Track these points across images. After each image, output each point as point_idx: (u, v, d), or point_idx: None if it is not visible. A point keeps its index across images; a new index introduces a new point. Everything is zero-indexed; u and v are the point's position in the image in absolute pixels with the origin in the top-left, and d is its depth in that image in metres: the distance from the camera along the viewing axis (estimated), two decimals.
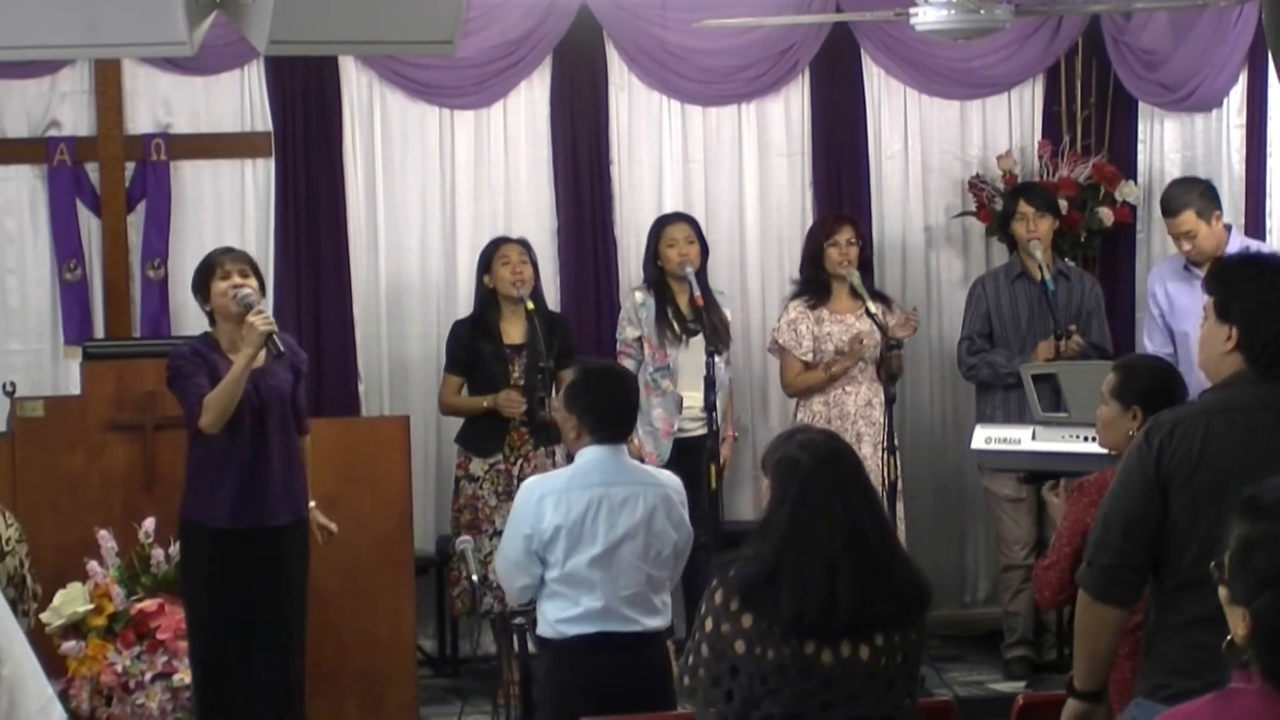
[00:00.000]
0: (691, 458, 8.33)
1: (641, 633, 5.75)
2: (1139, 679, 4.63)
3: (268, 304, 8.51)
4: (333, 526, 7.15)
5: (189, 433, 6.86)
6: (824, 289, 8.64)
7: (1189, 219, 8.22)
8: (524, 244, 8.47)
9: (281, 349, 6.71)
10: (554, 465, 8.01)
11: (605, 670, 5.69)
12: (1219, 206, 8.33)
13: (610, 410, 5.86)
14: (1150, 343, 8.52)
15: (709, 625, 4.22)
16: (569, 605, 5.73)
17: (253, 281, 6.87)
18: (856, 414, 8.56)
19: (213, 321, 6.94)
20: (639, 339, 8.62)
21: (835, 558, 4.16)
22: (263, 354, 6.72)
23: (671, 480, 5.97)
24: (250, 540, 6.81)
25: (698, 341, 8.50)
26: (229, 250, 7.11)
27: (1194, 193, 8.31)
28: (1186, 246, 8.22)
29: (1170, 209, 8.31)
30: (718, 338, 8.42)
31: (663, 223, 8.72)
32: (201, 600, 6.92)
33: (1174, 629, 4.47)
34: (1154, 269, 8.88)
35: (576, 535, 5.70)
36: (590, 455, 5.81)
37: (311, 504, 7.05)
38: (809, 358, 8.57)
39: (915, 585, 4.29)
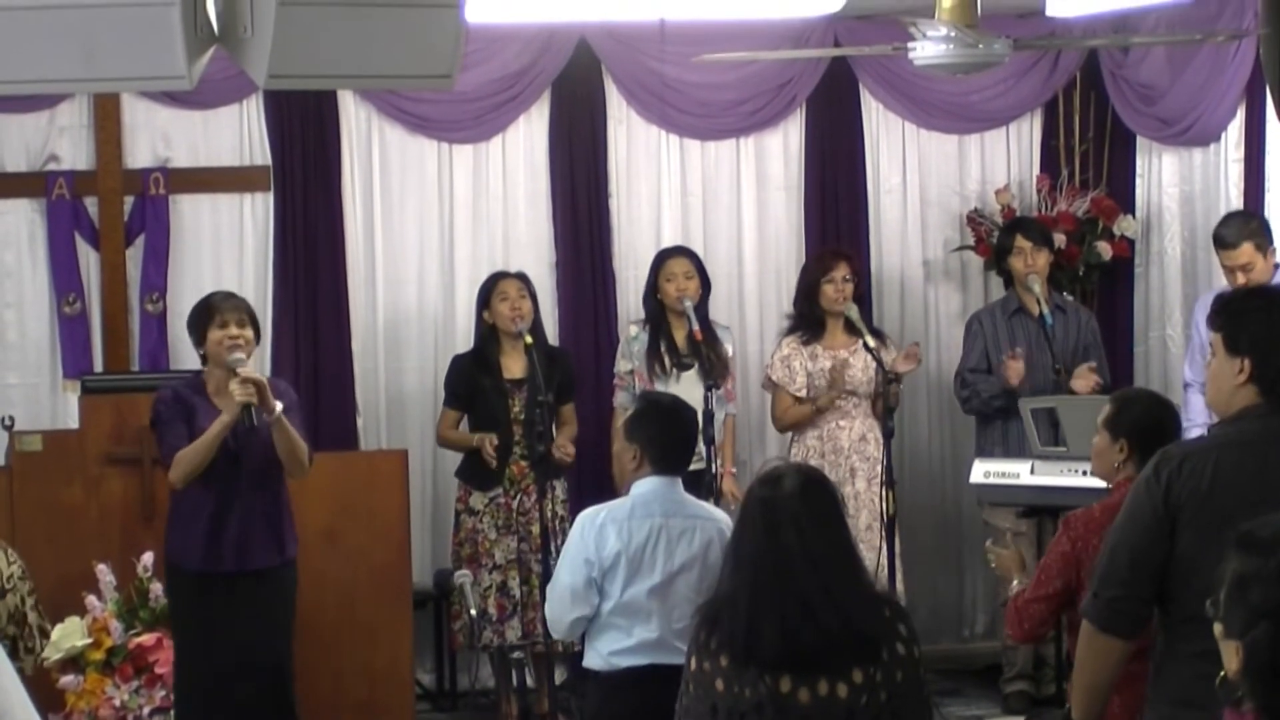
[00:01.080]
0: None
1: None
2: (1146, 708, 4.63)
3: (265, 342, 8.53)
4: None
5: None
6: (818, 324, 8.65)
7: (1247, 251, 8.08)
8: (522, 278, 8.47)
9: (256, 423, 6.70)
10: (551, 499, 8.00)
11: (657, 702, 5.66)
12: (1272, 242, 8.28)
13: (673, 442, 5.92)
14: (1189, 369, 8.45)
15: (693, 664, 4.19)
16: (623, 636, 5.75)
17: (248, 333, 6.87)
18: (850, 449, 8.56)
19: (205, 360, 6.96)
20: (631, 372, 8.63)
21: (758, 589, 4.07)
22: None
23: (723, 516, 5.98)
24: (230, 582, 6.80)
25: (690, 376, 8.50)
26: (230, 297, 7.09)
27: (1252, 225, 8.19)
28: (1241, 279, 8.00)
29: (1228, 241, 8.16)
30: (715, 373, 8.41)
31: (663, 256, 8.72)
32: (185, 641, 6.94)
33: (1181, 660, 4.45)
34: (1200, 299, 8.76)
35: (636, 564, 5.73)
36: (650, 486, 5.84)
37: None
38: (802, 393, 8.58)
39: (849, 626, 4.07)
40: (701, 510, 5.95)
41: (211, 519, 6.79)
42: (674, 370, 8.57)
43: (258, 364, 8.08)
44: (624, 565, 5.72)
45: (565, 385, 8.37)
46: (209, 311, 6.90)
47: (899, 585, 8.31)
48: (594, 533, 5.76)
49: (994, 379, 8.55)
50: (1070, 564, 5.32)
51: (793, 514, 4.11)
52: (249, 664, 6.80)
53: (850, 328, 8.49)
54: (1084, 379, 8.43)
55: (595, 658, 5.82)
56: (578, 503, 7.67)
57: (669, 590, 5.74)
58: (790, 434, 8.73)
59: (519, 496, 8.25)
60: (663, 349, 8.59)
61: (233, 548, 6.81)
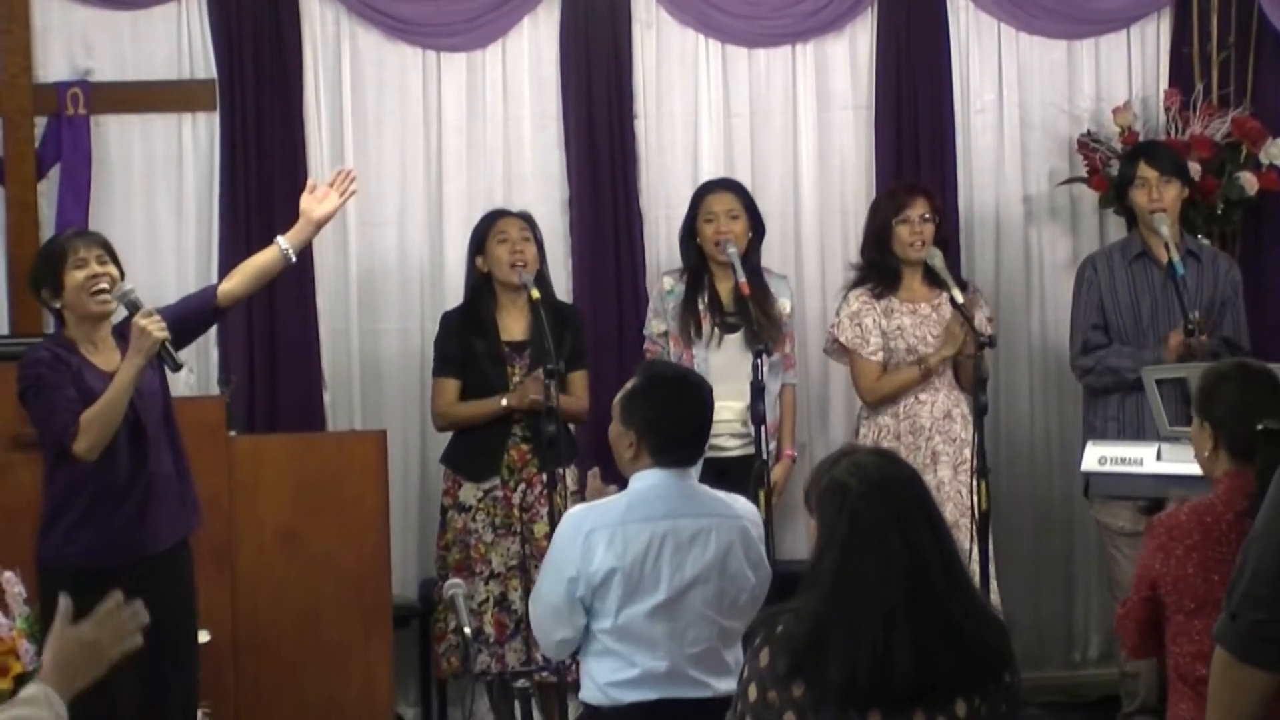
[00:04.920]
0: (729, 482, 8.26)
1: (712, 698, 5.71)
2: None
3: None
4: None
5: (50, 458, 6.81)
6: (892, 275, 8.60)
7: None
8: (526, 218, 8.45)
9: (180, 362, 6.68)
10: (561, 492, 7.97)
11: None
12: None
13: (680, 427, 5.87)
14: None
15: (753, 693, 4.21)
16: (623, 666, 5.73)
17: (113, 270, 6.83)
18: (932, 428, 8.55)
19: (60, 320, 6.90)
20: (665, 334, 8.59)
21: (893, 606, 4.15)
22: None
23: (748, 510, 5.99)
24: (119, 577, 6.74)
25: (734, 340, 8.46)
26: (81, 234, 7.07)
27: None
28: None
29: None
30: (766, 335, 8.34)
31: (703, 192, 8.70)
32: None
33: None
34: None
35: (635, 580, 5.69)
36: (651, 481, 5.81)
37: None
38: (877, 357, 8.52)
39: (985, 642, 4.26)
40: (720, 506, 5.90)
41: (123, 502, 6.77)
42: (716, 333, 8.52)
43: None
44: (618, 582, 5.69)
45: (577, 350, 8.36)
46: (61, 253, 6.83)
47: (994, 597, 8.27)
48: (579, 543, 5.72)
49: (1140, 353, 8.37)
50: (1150, 577, 5.53)
51: (913, 506, 4.23)
52: (151, 676, 6.72)
53: (932, 278, 8.43)
54: (1180, 342, 8.25)
55: (592, 689, 5.80)
56: None
57: (678, 609, 5.72)
58: (860, 412, 8.68)
59: (520, 488, 8.24)
60: (701, 306, 8.54)
61: (144, 532, 6.80)
